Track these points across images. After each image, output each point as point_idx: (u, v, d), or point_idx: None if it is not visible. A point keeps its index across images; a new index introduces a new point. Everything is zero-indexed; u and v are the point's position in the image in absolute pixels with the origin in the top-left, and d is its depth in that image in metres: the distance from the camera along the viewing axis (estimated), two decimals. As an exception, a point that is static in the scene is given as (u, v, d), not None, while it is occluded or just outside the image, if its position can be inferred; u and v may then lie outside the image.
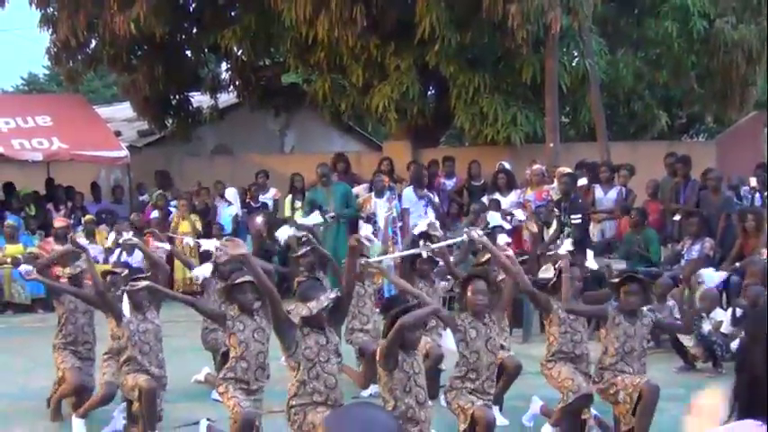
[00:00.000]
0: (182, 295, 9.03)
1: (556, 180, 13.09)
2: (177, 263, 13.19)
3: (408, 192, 14.19)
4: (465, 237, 7.56)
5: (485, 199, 13.84)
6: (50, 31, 19.24)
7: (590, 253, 8.09)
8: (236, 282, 6.91)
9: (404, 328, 5.69)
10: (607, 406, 7.19)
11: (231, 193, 15.77)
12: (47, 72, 39.22)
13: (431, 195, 14.28)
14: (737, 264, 11.52)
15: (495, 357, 6.78)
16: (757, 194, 12.95)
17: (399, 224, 13.79)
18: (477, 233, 7.40)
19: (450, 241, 8.64)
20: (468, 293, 6.68)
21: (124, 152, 17.68)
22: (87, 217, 15.60)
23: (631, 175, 14.14)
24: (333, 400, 6.09)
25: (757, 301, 9.67)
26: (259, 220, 12.35)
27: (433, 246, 8.33)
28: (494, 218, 11.05)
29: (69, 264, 8.61)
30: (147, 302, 7.69)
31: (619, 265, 11.59)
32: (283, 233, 9.53)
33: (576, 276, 7.51)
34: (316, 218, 12.18)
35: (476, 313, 6.64)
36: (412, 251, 8.66)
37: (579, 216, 12.25)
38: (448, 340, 6.44)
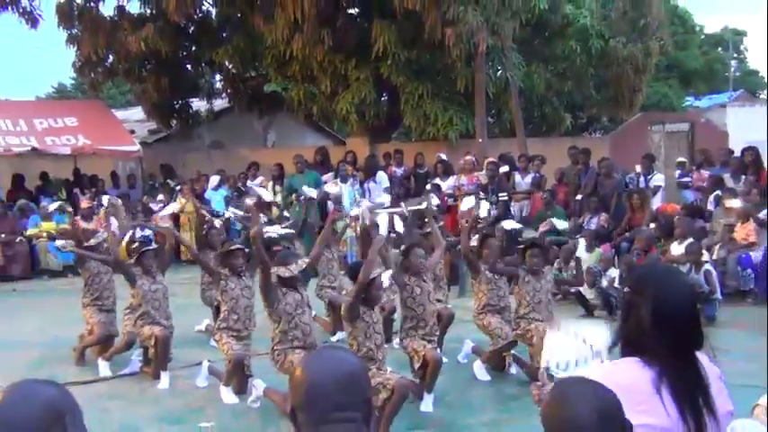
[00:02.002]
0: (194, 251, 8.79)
1: (484, 168, 13.16)
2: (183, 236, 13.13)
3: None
4: (425, 204, 7.73)
5: (428, 185, 13.83)
6: (75, 48, 18.93)
7: (509, 221, 8.19)
8: (231, 249, 6.95)
9: (361, 286, 5.72)
10: (523, 347, 7.31)
11: (214, 180, 15.60)
12: (73, 82, 38.64)
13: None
14: (627, 233, 11.69)
15: (434, 306, 6.87)
16: (642, 178, 13.08)
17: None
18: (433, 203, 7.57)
19: (414, 207, 8.79)
20: (411, 258, 6.72)
21: (137, 147, 17.50)
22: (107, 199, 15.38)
23: (543, 163, 14.27)
24: (309, 344, 6.15)
25: (630, 264, 9.87)
26: (249, 201, 12.30)
27: (411, 207, 8.48)
28: (434, 199, 11.08)
29: (91, 237, 8.52)
30: (156, 268, 7.67)
31: (531, 234, 11.71)
32: (330, 188, 9.73)
33: (494, 245, 7.65)
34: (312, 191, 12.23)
35: (417, 273, 6.68)
36: (396, 209, 8.76)
37: (505, 194, 12.35)
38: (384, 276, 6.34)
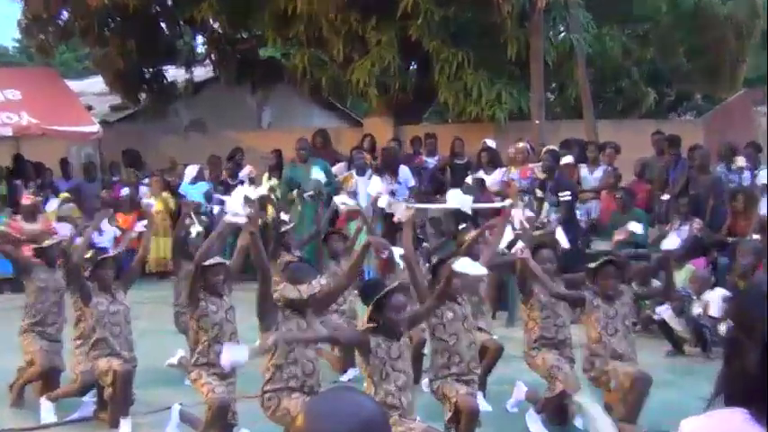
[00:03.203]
0: None
1: (540, 158, 13.05)
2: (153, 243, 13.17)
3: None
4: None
5: (469, 179, 13.72)
6: (21, 2, 19.03)
7: (559, 231, 8.02)
8: (209, 264, 6.89)
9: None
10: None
11: (191, 171, 15.46)
12: (17, 45, 38.93)
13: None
14: (727, 245, 11.53)
15: (473, 336, 6.80)
16: (746, 173, 12.89)
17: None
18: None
19: (491, 205, 8.66)
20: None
21: (96, 127, 17.52)
22: (63, 195, 15.43)
23: (617, 153, 14.12)
24: (309, 387, 6.08)
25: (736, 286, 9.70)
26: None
27: (475, 205, 8.27)
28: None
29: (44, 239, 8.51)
30: (117, 283, 7.65)
31: (603, 246, 11.57)
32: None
33: (547, 258, 7.51)
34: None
35: (449, 296, 6.58)
36: (449, 205, 8.46)
37: (568, 193, 12.14)
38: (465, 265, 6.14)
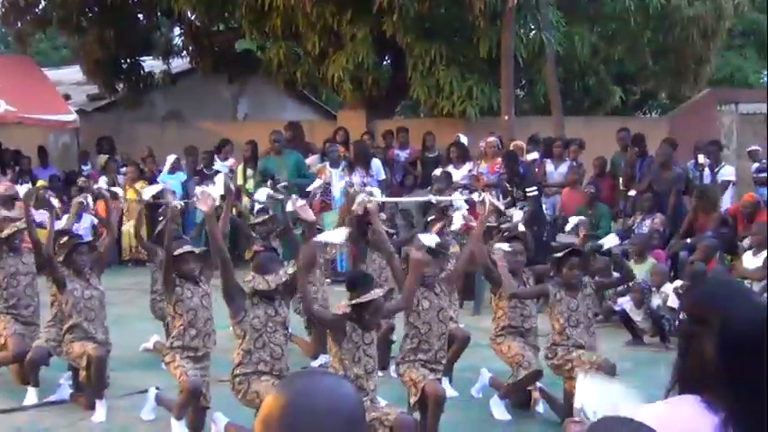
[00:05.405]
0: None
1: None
2: (124, 230, 13.21)
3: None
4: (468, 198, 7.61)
5: (437, 171, 13.77)
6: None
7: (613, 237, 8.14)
8: (177, 253, 6.88)
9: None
10: (553, 379, 7.31)
11: (170, 160, 15.44)
12: (-6, 33, 38.52)
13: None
14: (688, 240, 11.68)
15: (445, 328, 6.84)
16: (706, 171, 13.01)
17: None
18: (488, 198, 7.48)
19: (451, 198, 8.74)
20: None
21: (73, 116, 17.41)
22: (40, 182, 15.33)
23: (581, 149, 14.23)
24: (278, 371, 6.16)
25: (695, 274, 9.85)
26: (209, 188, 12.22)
27: (439, 198, 8.40)
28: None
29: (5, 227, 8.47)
30: (89, 269, 7.66)
31: (567, 239, 11.69)
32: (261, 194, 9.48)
33: (518, 251, 7.63)
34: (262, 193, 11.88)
35: (426, 285, 6.68)
36: (420, 198, 8.52)
37: (534, 188, 12.26)
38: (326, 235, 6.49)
